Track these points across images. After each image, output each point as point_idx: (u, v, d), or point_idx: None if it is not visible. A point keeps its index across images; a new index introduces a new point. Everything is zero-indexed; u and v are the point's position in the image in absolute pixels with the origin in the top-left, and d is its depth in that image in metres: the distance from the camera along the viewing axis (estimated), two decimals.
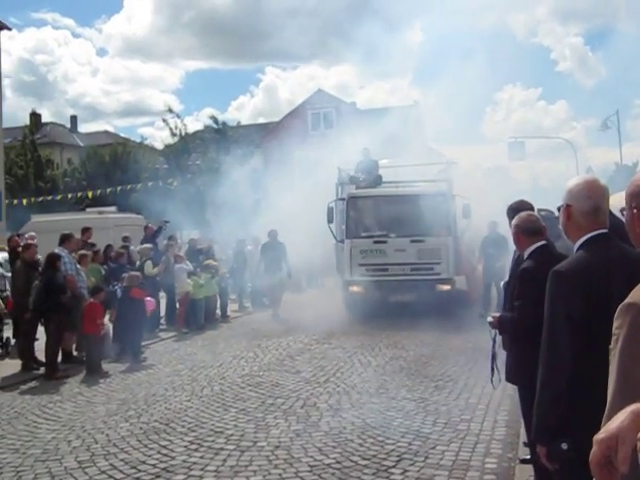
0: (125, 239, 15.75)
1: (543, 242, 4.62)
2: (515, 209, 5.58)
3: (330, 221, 15.38)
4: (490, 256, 14.71)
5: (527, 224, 4.69)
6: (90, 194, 34.89)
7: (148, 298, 12.17)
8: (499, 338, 5.46)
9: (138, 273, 12.47)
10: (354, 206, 15.89)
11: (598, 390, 2.36)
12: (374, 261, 15.17)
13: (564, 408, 2.84)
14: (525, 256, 4.67)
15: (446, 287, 14.86)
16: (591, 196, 3.01)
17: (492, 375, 5.64)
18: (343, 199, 16.12)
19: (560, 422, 2.86)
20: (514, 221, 4.80)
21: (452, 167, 16.65)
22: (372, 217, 16.10)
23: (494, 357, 5.53)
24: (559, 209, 3.21)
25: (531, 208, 5.64)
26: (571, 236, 3.13)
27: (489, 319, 4.98)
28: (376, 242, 15.25)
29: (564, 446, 2.86)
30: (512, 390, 7.84)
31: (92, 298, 10.97)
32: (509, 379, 5.06)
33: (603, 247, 2.98)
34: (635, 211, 2.10)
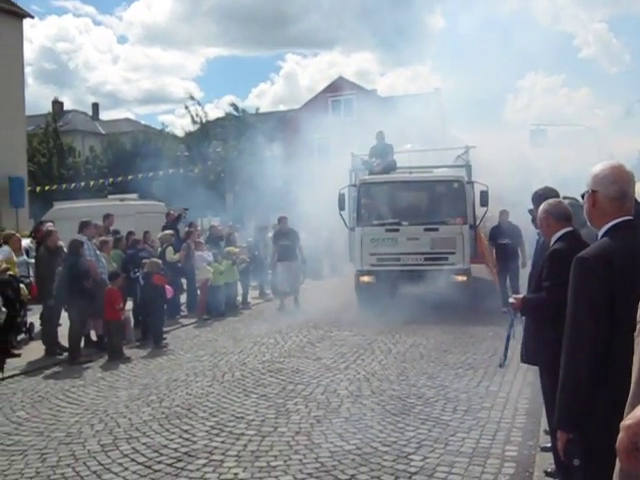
0: (146, 233, 15.66)
1: (571, 228, 4.62)
2: (541, 195, 5.57)
3: (342, 208, 14.93)
4: (503, 248, 14.00)
5: (557, 209, 4.70)
6: (111, 181, 35.14)
7: (167, 287, 12.22)
8: (517, 320, 5.46)
9: (159, 260, 12.52)
10: (365, 193, 15.18)
11: (621, 376, 2.36)
12: (386, 250, 14.45)
13: (587, 394, 2.83)
14: (553, 240, 4.67)
15: (462, 278, 14.04)
16: (617, 181, 2.99)
17: (505, 357, 5.64)
18: (355, 185, 15.62)
19: (583, 410, 2.85)
20: (543, 206, 4.78)
21: (470, 152, 16.22)
22: (384, 204, 15.33)
23: (509, 339, 5.53)
24: (583, 197, 3.18)
25: (557, 195, 5.60)
26: (596, 222, 3.11)
27: (511, 300, 4.98)
28: (388, 230, 14.54)
29: (576, 462, 2.89)
30: (533, 377, 7.84)
31: (110, 284, 11.04)
32: (527, 359, 5.04)
33: (628, 234, 2.96)
34: None
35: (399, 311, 12.78)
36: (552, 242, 4.66)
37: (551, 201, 4.83)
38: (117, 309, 10.85)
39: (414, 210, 15.22)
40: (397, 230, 14.48)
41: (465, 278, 14.10)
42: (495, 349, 10.20)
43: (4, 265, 10.75)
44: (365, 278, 14.54)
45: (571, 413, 2.90)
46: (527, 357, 4.98)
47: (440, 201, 15.15)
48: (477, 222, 15.11)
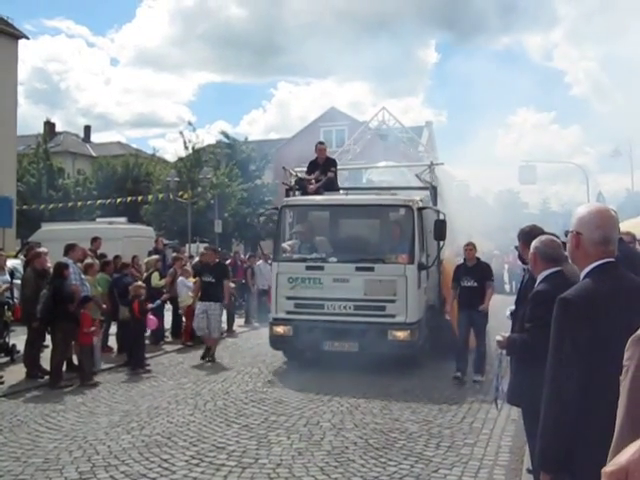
0: (134, 258, 15.62)
1: (559, 268, 4.60)
2: (527, 233, 5.60)
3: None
4: (466, 293, 10.86)
5: (547, 249, 4.65)
6: (99, 203, 35.12)
7: (151, 317, 12.12)
8: (505, 359, 5.46)
9: (141, 284, 12.43)
10: (286, 218, 12.55)
11: (603, 421, 2.35)
12: (306, 294, 11.32)
13: (568, 437, 2.82)
14: (538, 279, 4.65)
15: (402, 335, 10.82)
16: (601, 226, 3.01)
17: (496, 396, 5.63)
18: (276, 209, 12.84)
19: (564, 451, 2.84)
20: (534, 242, 4.75)
21: (435, 170, 13.46)
22: (308, 234, 12.44)
23: (498, 378, 5.52)
24: (566, 234, 3.20)
25: (542, 232, 5.63)
26: (579, 263, 3.13)
27: (498, 338, 4.98)
28: (309, 268, 11.43)
29: None
30: (517, 415, 7.82)
31: (82, 308, 10.90)
32: (512, 401, 5.05)
33: (611, 276, 2.98)
34: None
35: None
36: (537, 282, 4.65)
37: (545, 238, 4.78)
38: (87, 333, 10.75)
39: (346, 243, 12.15)
40: (321, 268, 11.36)
41: (408, 335, 10.83)
42: (480, 385, 10.21)
43: (4, 285, 10.67)
44: (279, 329, 11.47)
45: (553, 455, 2.89)
46: (510, 398, 4.97)
47: (381, 232, 12.50)
48: (432, 261, 11.90)
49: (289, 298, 11.46)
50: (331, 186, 12.82)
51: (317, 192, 12.56)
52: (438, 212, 11.83)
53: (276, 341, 11.67)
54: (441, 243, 11.58)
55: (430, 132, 41.18)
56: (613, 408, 2.05)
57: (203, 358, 12.60)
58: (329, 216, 12.86)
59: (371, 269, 11.13)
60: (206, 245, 14.37)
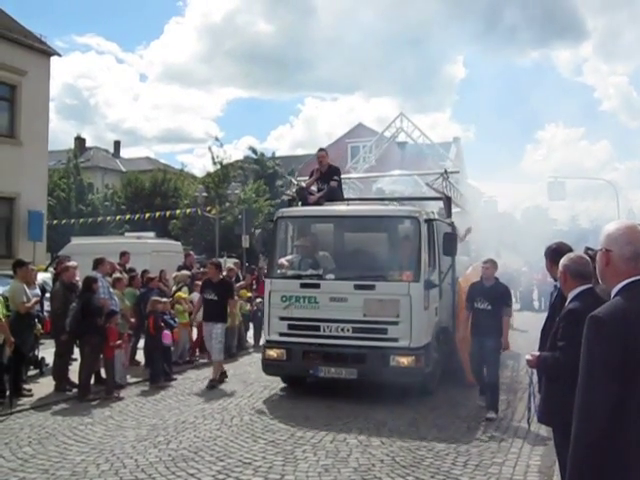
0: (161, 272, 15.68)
1: (589, 285, 4.55)
2: (554, 250, 5.56)
3: (263, 250, 11.79)
4: (480, 316, 9.66)
5: (577, 266, 4.61)
6: (128, 218, 35.47)
7: (166, 332, 12.03)
8: (536, 377, 5.39)
9: (159, 299, 12.38)
10: (282, 231, 11.47)
11: (636, 444, 2.32)
12: (301, 314, 10.32)
13: (599, 458, 2.77)
14: (569, 297, 4.60)
15: (407, 361, 9.80)
16: (632, 242, 2.98)
17: (528, 414, 5.56)
18: (272, 221, 11.92)
19: (595, 474, 2.79)
20: (563, 260, 4.72)
21: (449, 179, 12.45)
22: (305, 248, 11.33)
23: (530, 396, 5.45)
24: (586, 251, 3.17)
25: (570, 250, 5.59)
26: (609, 281, 3.08)
27: (527, 357, 4.93)
28: (304, 286, 10.42)
29: None
30: (546, 433, 7.72)
31: (108, 322, 10.97)
32: (542, 420, 4.99)
33: None
34: None
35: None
36: (569, 300, 4.60)
37: (573, 256, 4.74)
38: (111, 346, 10.84)
39: (345, 258, 11.24)
40: (317, 286, 10.36)
41: (412, 361, 9.79)
42: (507, 402, 10.09)
43: (34, 299, 10.79)
44: (272, 353, 10.52)
45: (583, 477, 2.84)
46: (541, 417, 4.92)
47: (384, 247, 11.26)
48: (441, 278, 10.90)
49: (282, 319, 10.46)
50: (334, 196, 11.66)
51: (318, 203, 11.50)
52: (452, 224, 11.08)
53: (269, 366, 10.69)
54: (447, 259, 10.83)
55: (458, 148, 41.02)
56: None
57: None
58: (328, 229, 11.94)
59: (371, 287, 10.11)
60: (214, 259, 13.51)
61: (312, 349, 10.22)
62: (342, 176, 12.66)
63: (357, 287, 10.12)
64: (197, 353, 14.51)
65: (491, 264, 9.94)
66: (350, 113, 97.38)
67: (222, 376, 11.87)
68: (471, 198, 16.49)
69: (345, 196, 12.58)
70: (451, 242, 10.40)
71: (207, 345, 12.49)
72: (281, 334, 10.50)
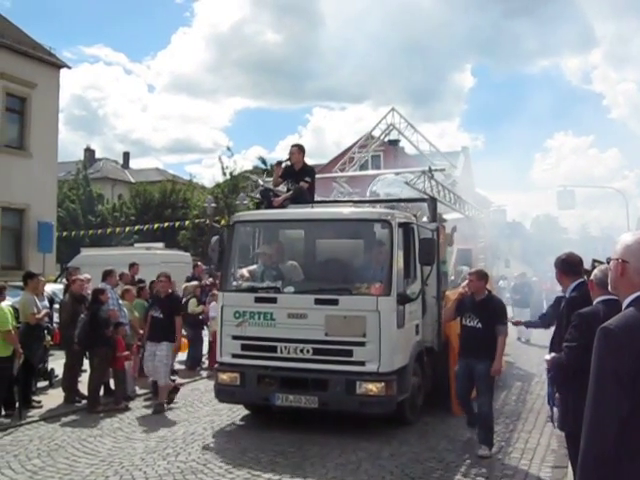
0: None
1: (606, 297, 4.54)
2: (564, 261, 5.58)
3: (215, 261, 10.25)
4: (468, 334, 8.20)
5: (604, 277, 4.62)
6: (137, 229, 35.58)
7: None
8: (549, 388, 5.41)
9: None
10: (238, 237, 10.13)
11: None
12: (254, 332, 9.02)
13: (608, 471, 2.74)
14: (594, 302, 4.66)
15: (373, 388, 8.43)
16: None
17: (551, 415, 5.53)
18: (228, 226, 10.90)
19: None
20: (595, 271, 4.79)
21: (432, 177, 10.85)
22: (266, 257, 9.92)
23: (550, 397, 5.41)
24: (608, 261, 3.15)
25: (581, 261, 5.61)
26: (621, 291, 3.06)
27: (547, 357, 4.94)
28: (259, 300, 9.17)
29: None
30: (556, 445, 7.69)
31: (116, 333, 10.94)
32: (559, 426, 5.03)
33: None
34: None
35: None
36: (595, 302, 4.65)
37: (602, 267, 4.77)
38: (119, 357, 10.85)
39: (306, 268, 9.88)
40: (273, 300, 9.11)
41: (382, 389, 8.42)
42: (518, 414, 10.03)
43: (44, 311, 10.82)
44: (224, 376, 9.23)
45: None
46: (558, 423, 4.96)
47: (351, 255, 9.98)
48: (423, 290, 9.69)
49: (235, 337, 9.18)
50: (301, 198, 10.27)
51: (282, 205, 10.24)
52: (437, 230, 9.95)
53: (221, 392, 9.38)
54: (428, 268, 9.43)
55: (466, 157, 41.00)
56: None
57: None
58: (290, 235, 10.75)
59: (334, 302, 8.70)
60: (164, 272, 11.73)
61: (268, 373, 8.90)
62: (319, 176, 11.79)
63: (318, 302, 8.75)
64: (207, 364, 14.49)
65: (477, 276, 8.32)
66: (358, 122, 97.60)
67: (172, 394, 10.93)
68: (477, 205, 16.19)
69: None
70: (428, 249, 9.00)
71: (145, 367, 10.96)
72: (234, 355, 9.21)
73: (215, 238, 10.09)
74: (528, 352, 16.96)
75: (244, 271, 9.93)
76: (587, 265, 5.64)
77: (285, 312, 8.87)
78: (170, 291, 11.13)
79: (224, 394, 9.38)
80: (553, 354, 4.91)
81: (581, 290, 5.21)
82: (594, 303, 4.65)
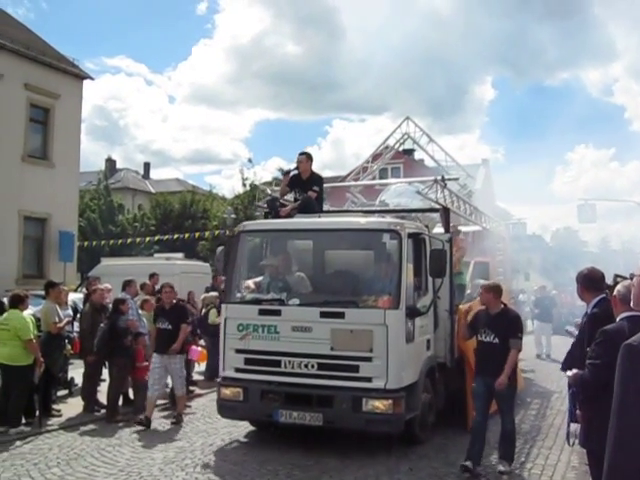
0: (189, 293, 15.70)
1: (630, 313, 4.50)
2: (586, 276, 5.55)
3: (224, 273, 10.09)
4: (484, 350, 7.90)
5: (627, 292, 4.58)
6: (156, 239, 35.76)
7: (194, 347, 12.01)
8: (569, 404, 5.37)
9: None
10: (244, 248, 9.95)
11: None
12: (258, 346, 8.77)
13: None
14: (618, 319, 4.58)
15: (380, 406, 8.12)
16: None
17: (567, 434, 5.49)
18: (233, 236, 10.62)
19: None
20: (618, 287, 4.72)
21: (445, 186, 10.53)
22: (272, 268, 9.68)
23: (571, 414, 5.36)
24: (632, 277, 3.13)
25: (603, 276, 5.58)
26: None
27: (569, 373, 4.91)
28: (263, 312, 8.92)
29: None
30: (577, 462, 7.61)
31: (135, 343, 10.98)
32: (580, 443, 5.00)
33: None
34: None
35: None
36: (618, 319, 4.58)
37: (626, 283, 4.73)
38: (139, 367, 10.90)
39: (313, 280, 9.54)
40: (278, 313, 8.83)
41: (389, 407, 8.10)
42: (538, 429, 9.94)
43: (65, 319, 10.90)
44: (227, 391, 8.98)
45: None
46: (580, 440, 4.93)
47: (359, 266, 9.62)
48: (435, 304, 9.34)
49: (239, 351, 8.92)
50: (309, 208, 10.06)
51: (289, 215, 10.06)
52: (449, 241, 9.55)
53: (223, 407, 9.11)
54: (439, 281, 9.06)
55: (487, 170, 40.85)
56: None
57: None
58: (297, 245, 10.42)
59: (340, 315, 8.42)
60: (167, 282, 11.36)
61: (272, 388, 8.60)
62: (331, 185, 11.52)
63: (323, 315, 8.48)
64: None
65: (488, 289, 8.09)
66: (378, 134, 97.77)
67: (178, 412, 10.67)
68: (497, 218, 16.04)
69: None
70: (439, 260, 8.64)
71: (150, 380, 10.45)
72: (237, 369, 8.95)
73: (220, 248, 10.00)
74: (548, 367, 16.79)
75: (250, 282, 9.66)
76: (609, 280, 5.61)
77: (289, 325, 8.60)
78: (174, 301, 10.93)
79: (226, 410, 9.13)
80: (575, 370, 4.87)
81: (603, 306, 5.17)
82: (617, 319, 4.59)
